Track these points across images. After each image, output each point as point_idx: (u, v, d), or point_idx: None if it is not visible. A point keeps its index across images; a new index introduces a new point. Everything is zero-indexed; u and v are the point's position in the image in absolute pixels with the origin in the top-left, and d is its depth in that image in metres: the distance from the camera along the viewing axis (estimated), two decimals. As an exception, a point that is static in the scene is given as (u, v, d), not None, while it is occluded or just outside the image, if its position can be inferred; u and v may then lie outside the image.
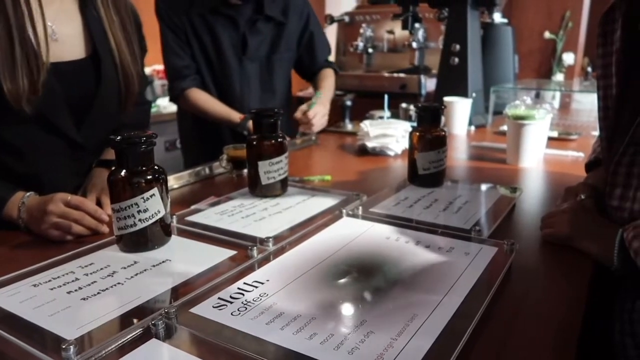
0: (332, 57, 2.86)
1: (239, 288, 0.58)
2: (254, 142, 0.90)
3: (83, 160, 0.94)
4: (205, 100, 1.44)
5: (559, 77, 2.59)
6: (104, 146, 0.97)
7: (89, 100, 0.89)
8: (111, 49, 0.90)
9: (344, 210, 0.82)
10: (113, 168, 0.91)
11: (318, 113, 1.40)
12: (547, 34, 2.58)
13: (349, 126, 1.74)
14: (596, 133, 1.60)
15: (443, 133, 0.97)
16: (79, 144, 0.89)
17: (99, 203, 0.86)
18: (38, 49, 0.78)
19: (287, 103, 1.62)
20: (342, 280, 0.60)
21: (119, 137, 0.66)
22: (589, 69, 2.84)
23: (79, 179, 0.93)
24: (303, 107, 1.43)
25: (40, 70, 0.78)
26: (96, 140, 0.94)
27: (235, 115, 1.41)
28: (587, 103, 2.10)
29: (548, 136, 1.29)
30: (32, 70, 0.78)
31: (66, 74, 0.85)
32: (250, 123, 1.36)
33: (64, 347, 0.44)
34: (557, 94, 2.14)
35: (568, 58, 2.55)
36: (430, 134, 0.96)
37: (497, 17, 2.12)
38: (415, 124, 1.21)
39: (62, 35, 0.86)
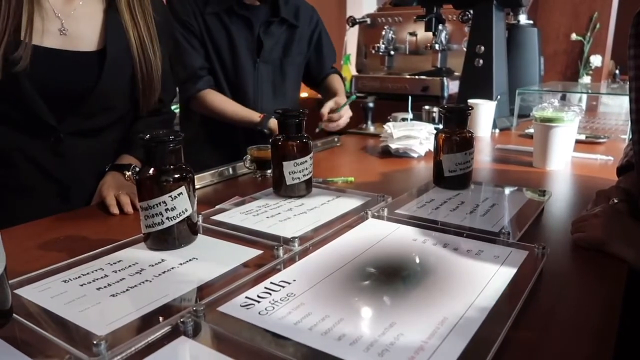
0: (352, 59, 2.88)
1: (265, 287, 0.57)
2: (279, 143, 0.90)
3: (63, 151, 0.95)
4: (221, 101, 1.43)
5: (585, 79, 2.53)
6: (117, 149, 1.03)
7: (84, 92, 0.92)
8: (131, 50, 0.94)
9: (369, 212, 0.81)
10: (125, 172, 0.97)
11: (347, 114, 1.44)
12: (573, 36, 2.54)
13: (371, 128, 1.74)
14: (625, 137, 1.57)
15: (470, 134, 0.95)
16: (54, 127, 0.92)
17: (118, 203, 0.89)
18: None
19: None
20: (370, 282, 0.59)
21: (147, 136, 0.66)
22: (617, 72, 2.78)
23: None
24: (330, 104, 1.43)
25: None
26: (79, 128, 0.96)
27: (255, 115, 1.41)
28: (615, 106, 2.06)
29: (575, 139, 1.26)
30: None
31: (60, 61, 0.89)
32: (271, 122, 1.37)
33: (95, 342, 0.44)
34: (584, 97, 2.10)
35: (595, 60, 2.50)
36: (456, 135, 0.94)
37: (523, 19, 2.08)
38: (438, 126, 1.20)
39: (74, 32, 0.90)
